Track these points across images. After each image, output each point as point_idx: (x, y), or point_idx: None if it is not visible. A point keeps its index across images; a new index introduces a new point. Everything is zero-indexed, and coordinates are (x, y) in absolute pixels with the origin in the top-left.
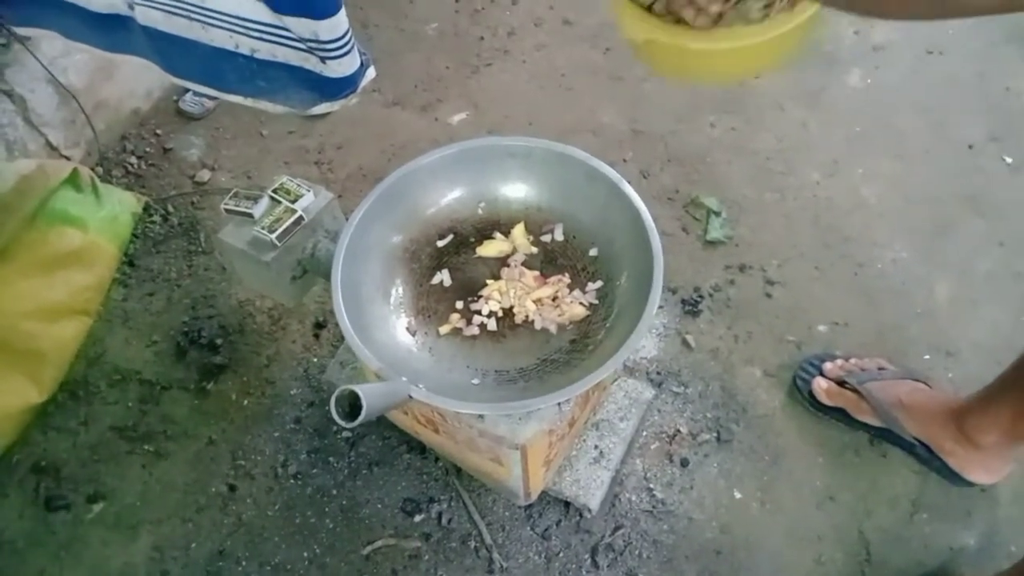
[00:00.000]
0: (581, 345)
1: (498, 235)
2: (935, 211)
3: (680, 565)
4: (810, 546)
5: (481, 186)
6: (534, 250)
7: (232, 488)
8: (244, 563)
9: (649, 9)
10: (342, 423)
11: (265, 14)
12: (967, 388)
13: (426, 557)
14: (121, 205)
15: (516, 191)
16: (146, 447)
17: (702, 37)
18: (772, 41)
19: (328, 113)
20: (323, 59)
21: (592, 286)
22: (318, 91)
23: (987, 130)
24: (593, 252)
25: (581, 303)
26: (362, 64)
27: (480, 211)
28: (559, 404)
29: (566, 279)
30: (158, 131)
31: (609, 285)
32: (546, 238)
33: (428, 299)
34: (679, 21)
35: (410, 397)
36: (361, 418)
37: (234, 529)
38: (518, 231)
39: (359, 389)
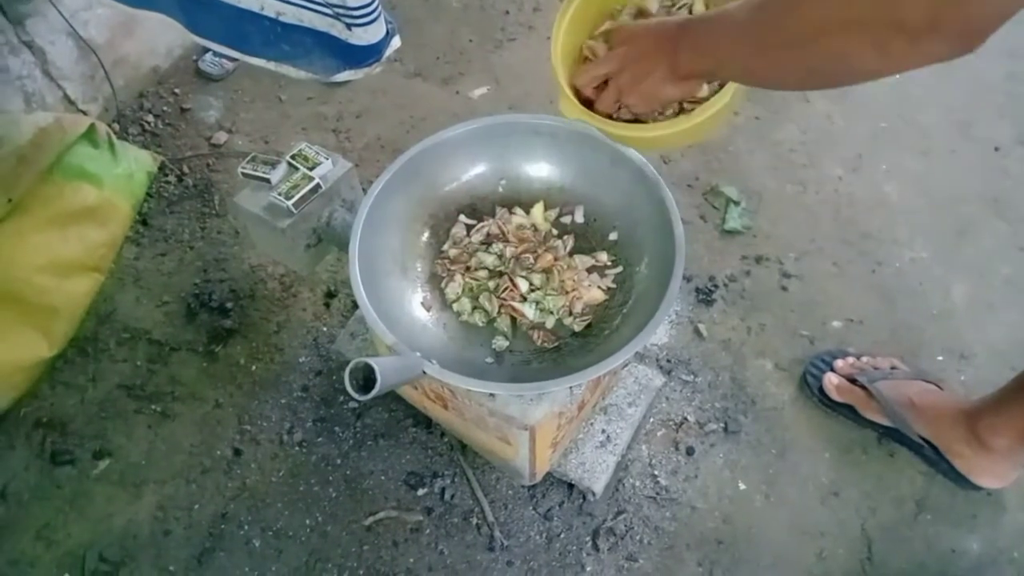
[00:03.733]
0: (597, 330)
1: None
2: (957, 212)
3: (681, 553)
4: (812, 541)
5: (504, 163)
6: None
7: (237, 452)
8: (246, 527)
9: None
10: (355, 395)
11: None
12: (979, 391)
13: (427, 531)
14: (137, 163)
15: (539, 170)
16: (153, 407)
17: (621, 127)
18: (680, 132)
19: (349, 81)
20: (349, 26)
21: (611, 271)
22: (342, 58)
23: (1015, 132)
24: (613, 236)
25: (599, 287)
26: (388, 33)
27: (501, 189)
28: (571, 388)
29: (591, 260)
30: (176, 90)
31: (628, 271)
32: (566, 219)
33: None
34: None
35: (424, 373)
36: (375, 391)
37: (237, 493)
38: (537, 210)
39: (374, 362)
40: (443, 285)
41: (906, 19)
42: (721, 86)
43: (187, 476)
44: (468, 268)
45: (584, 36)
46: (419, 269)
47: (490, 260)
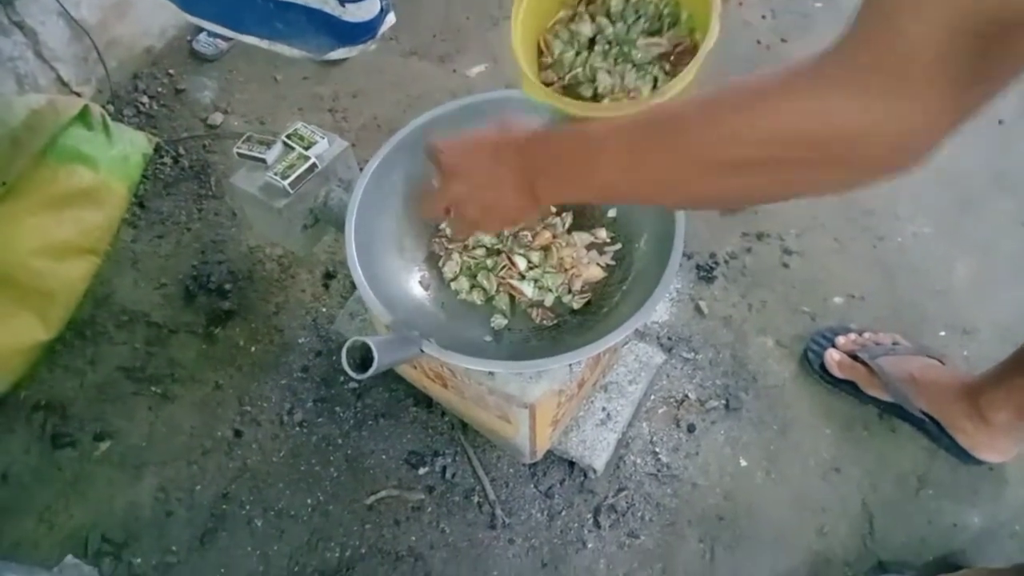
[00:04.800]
0: (596, 307)
1: None
2: (961, 187)
3: (682, 529)
4: (813, 517)
5: None
6: (552, 209)
7: (238, 433)
8: (248, 507)
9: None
10: (352, 374)
11: None
12: (982, 367)
13: (429, 509)
14: (132, 145)
15: None
16: (153, 389)
17: (584, 107)
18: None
19: (344, 60)
20: (342, 2)
21: (610, 248)
22: (336, 35)
23: (1019, 106)
24: (612, 213)
25: (598, 264)
26: (382, 9)
27: None
28: (570, 365)
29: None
30: (171, 71)
31: (627, 248)
32: None
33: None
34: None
35: (422, 352)
36: (372, 370)
37: (239, 474)
38: None
39: (371, 341)
40: (441, 264)
41: (865, 156)
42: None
43: (188, 458)
44: (466, 246)
45: (545, 18)
46: (416, 248)
47: (487, 238)
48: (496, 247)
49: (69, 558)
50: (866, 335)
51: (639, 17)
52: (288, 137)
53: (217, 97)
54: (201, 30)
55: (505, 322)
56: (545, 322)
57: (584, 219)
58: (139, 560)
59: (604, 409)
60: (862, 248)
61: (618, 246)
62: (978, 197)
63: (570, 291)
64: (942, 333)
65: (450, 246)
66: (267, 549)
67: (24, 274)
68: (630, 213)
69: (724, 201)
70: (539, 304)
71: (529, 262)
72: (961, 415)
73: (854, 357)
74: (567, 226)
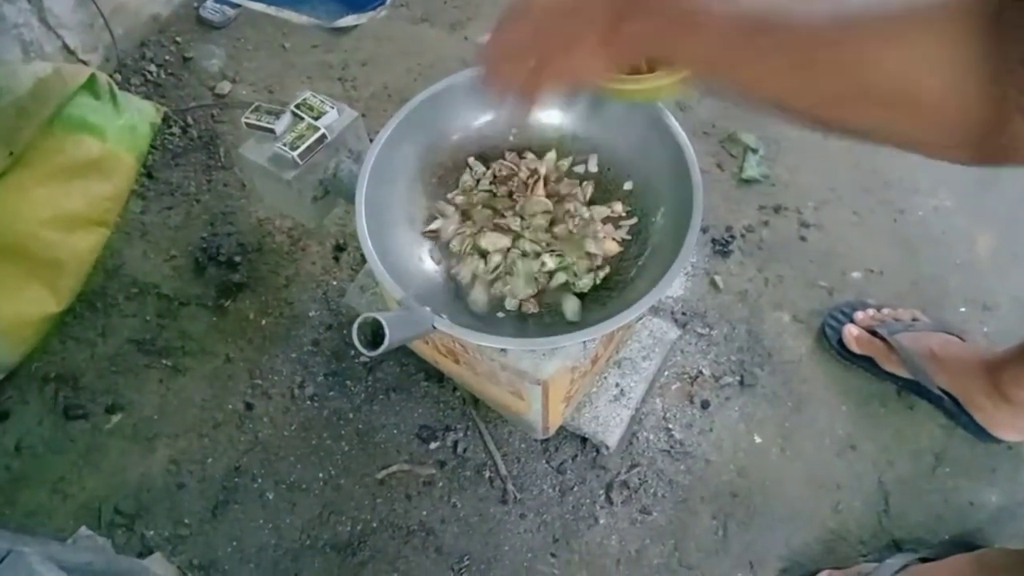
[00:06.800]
0: (611, 282)
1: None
2: None
3: (695, 506)
4: (828, 494)
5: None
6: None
7: (249, 406)
8: (260, 480)
9: None
10: (364, 350)
11: None
12: (1002, 343)
13: (440, 484)
14: (140, 115)
15: (551, 117)
16: (164, 361)
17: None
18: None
19: (354, 27)
20: None
21: (626, 222)
22: (345, 1)
23: None
24: (628, 186)
25: (614, 239)
26: None
27: (512, 137)
28: (584, 342)
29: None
30: (178, 39)
31: (644, 221)
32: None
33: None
34: None
35: (434, 328)
36: (384, 347)
37: (250, 447)
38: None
39: (383, 318)
40: (447, 239)
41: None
42: None
43: (199, 430)
44: (468, 217)
45: None
46: (427, 221)
47: (499, 203)
48: (510, 224)
49: (83, 529)
50: (885, 311)
51: None
52: (297, 107)
53: (225, 65)
54: None
55: (517, 301)
56: (533, 311)
57: (600, 192)
58: (151, 532)
59: (617, 385)
60: (882, 222)
61: (634, 220)
62: (1000, 170)
63: (590, 268)
64: (962, 309)
65: (455, 214)
66: (279, 522)
67: (34, 245)
68: (647, 186)
69: (817, 125)
70: (544, 288)
71: (549, 239)
72: (980, 393)
73: (872, 332)
74: (587, 198)
